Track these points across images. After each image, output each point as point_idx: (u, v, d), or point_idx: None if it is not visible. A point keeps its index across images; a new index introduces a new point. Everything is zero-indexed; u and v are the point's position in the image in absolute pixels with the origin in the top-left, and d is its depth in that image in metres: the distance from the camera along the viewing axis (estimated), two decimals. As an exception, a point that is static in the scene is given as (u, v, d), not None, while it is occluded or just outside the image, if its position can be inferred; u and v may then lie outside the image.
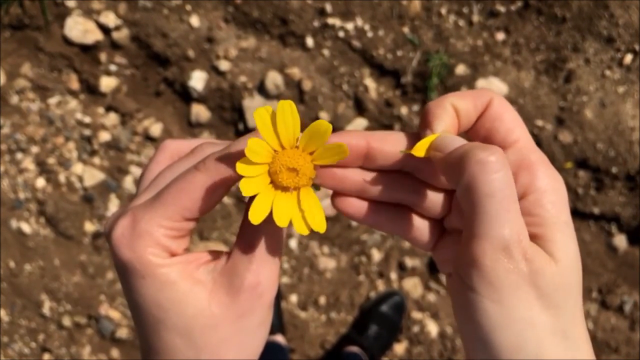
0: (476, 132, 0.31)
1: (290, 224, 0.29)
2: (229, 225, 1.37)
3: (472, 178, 0.26)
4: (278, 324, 1.31)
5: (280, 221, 0.28)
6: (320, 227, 0.28)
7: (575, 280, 0.27)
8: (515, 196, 0.26)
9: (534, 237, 0.27)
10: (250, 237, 0.29)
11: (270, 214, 0.28)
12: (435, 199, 0.30)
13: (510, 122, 0.29)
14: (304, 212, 0.29)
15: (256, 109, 0.28)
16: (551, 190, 0.28)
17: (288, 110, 0.28)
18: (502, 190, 0.25)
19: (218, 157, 0.28)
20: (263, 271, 0.29)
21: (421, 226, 0.31)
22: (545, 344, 0.26)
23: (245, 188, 0.27)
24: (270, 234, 0.29)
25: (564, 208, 0.28)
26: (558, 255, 0.27)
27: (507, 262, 0.25)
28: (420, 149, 0.29)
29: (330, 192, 0.31)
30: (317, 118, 1.33)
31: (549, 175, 0.28)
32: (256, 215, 0.28)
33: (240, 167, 0.27)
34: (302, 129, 0.29)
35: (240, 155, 0.28)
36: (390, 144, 0.30)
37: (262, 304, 0.29)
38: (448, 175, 0.28)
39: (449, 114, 0.29)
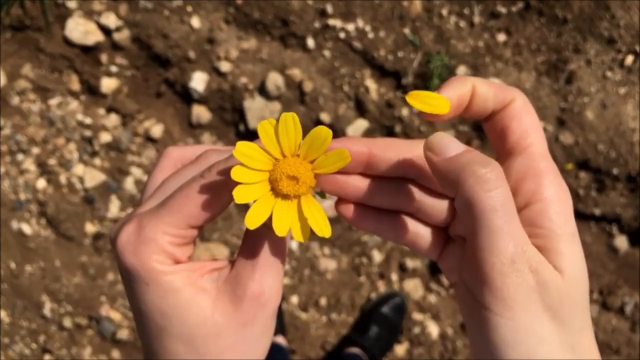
0: (493, 126, 0.30)
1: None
2: (229, 227, 1.37)
3: (472, 194, 0.26)
4: (279, 325, 1.31)
5: (279, 230, 0.28)
6: (325, 232, 0.29)
7: (582, 292, 0.27)
8: (515, 209, 0.26)
9: (540, 249, 0.27)
10: (254, 246, 0.29)
11: (270, 222, 0.28)
12: (438, 206, 0.30)
13: (527, 125, 0.29)
14: (307, 220, 0.29)
15: (260, 122, 0.28)
16: (557, 200, 0.28)
17: (291, 122, 0.28)
18: (503, 205, 0.26)
19: (223, 165, 0.28)
20: (266, 280, 0.29)
21: (425, 234, 0.31)
22: (555, 358, 0.26)
23: (240, 195, 0.27)
24: (273, 242, 0.29)
25: (569, 219, 0.28)
26: (564, 268, 0.27)
27: (515, 275, 0.25)
28: (414, 97, 0.28)
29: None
30: (317, 119, 1.33)
31: (556, 185, 0.28)
32: (252, 220, 0.28)
33: (236, 173, 0.27)
34: (304, 133, 0.28)
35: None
36: (393, 151, 0.29)
37: (266, 313, 0.29)
38: (443, 184, 0.28)
39: (463, 89, 0.29)
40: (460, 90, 0.29)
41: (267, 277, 0.29)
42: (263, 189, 0.29)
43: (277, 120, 0.28)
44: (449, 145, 0.27)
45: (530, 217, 0.28)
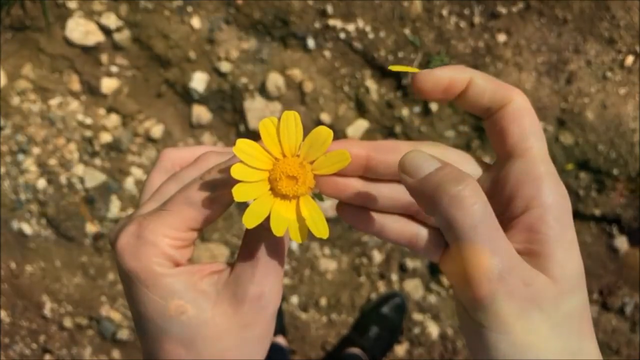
0: (492, 125, 0.30)
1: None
2: (229, 227, 1.37)
3: (449, 213, 0.25)
4: (279, 325, 1.31)
5: (277, 229, 0.28)
6: (323, 234, 0.28)
7: (580, 298, 0.27)
8: (497, 222, 0.26)
9: (536, 255, 0.27)
10: (253, 248, 0.29)
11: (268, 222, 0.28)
12: None
13: (527, 128, 0.28)
14: (305, 220, 0.29)
15: (261, 120, 0.28)
16: (556, 206, 0.27)
17: (292, 120, 0.28)
18: (483, 221, 0.25)
19: (223, 167, 0.28)
20: (266, 282, 0.29)
21: (426, 236, 0.31)
22: None
23: (239, 193, 0.27)
24: (272, 245, 0.29)
25: (568, 225, 0.27)
26: (560, 275, 0.26)
27: (505, 291, 0.25)
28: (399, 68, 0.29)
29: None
30: (318, 119, 1.33)
31: (556, 191, 0.27)
32: (250, 219, 0.28)
33: (236, 171, 0.27)
34: (305, 133, 0.28)
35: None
36: (392, 154, 0.29)
37: (266, 315, 0.29)
38: (421, 205, 0.27)
39: (459, 75, 0.29)
40: (455, 75, 0.28)
41: (267, 279, 0.29)
42: (262, 188, 0.29)
43: (279, 119, 0.28)
44: (422, 164, 0.27)
45: (529, 222, 0.27)
